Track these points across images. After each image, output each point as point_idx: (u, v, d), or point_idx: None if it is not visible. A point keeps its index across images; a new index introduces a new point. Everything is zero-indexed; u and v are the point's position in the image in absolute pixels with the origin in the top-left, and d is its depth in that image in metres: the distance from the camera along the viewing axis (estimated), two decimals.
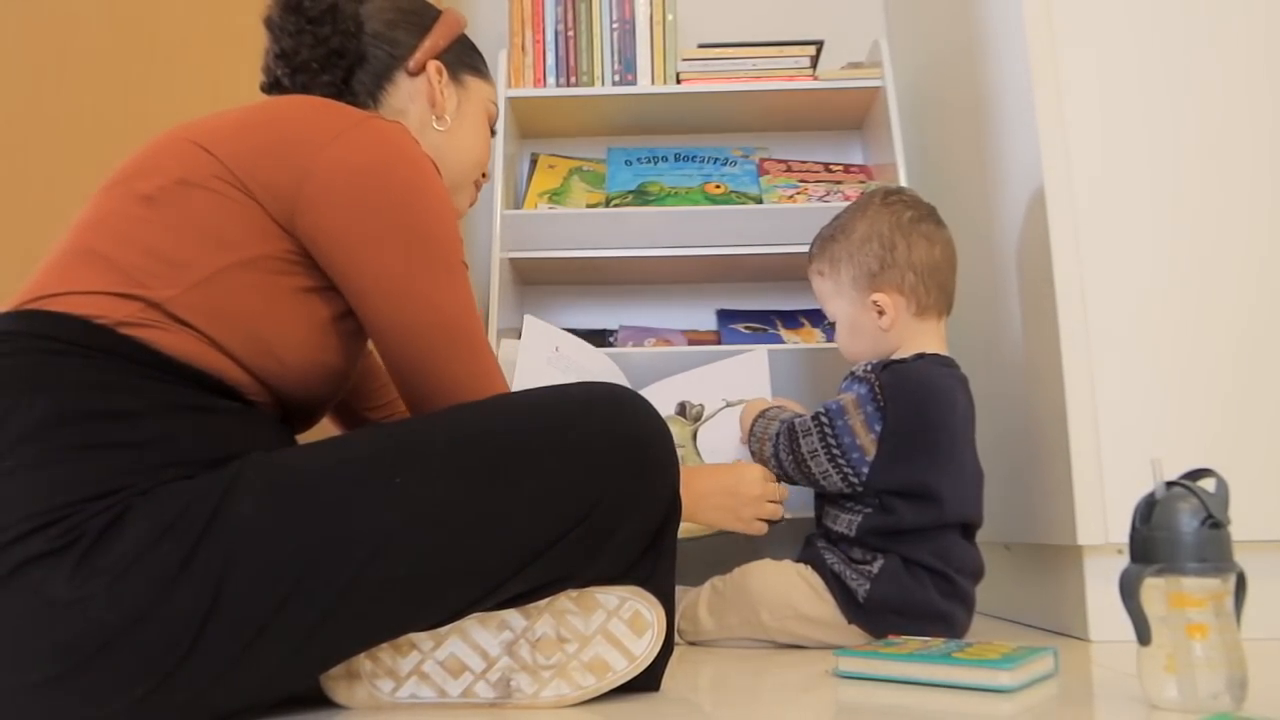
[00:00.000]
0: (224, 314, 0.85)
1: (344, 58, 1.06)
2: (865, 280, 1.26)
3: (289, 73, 1.05)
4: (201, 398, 0.85)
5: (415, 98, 1.10)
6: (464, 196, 1.17)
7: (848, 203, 1.80)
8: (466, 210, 1.20)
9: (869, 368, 1.22)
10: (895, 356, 1.24)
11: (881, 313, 1.25)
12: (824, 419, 1.21)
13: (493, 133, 1.20)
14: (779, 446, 1.24)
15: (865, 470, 1.17)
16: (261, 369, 0.88)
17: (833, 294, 1.31)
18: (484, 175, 1.20)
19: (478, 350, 0.94)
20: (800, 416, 1.25)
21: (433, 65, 1.10)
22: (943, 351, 1.27)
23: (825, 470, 1.20)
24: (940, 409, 1.20)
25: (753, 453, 1.30)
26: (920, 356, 1.23)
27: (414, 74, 1.10)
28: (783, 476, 1.26)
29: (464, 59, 1.15)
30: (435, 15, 1.13)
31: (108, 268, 0.84)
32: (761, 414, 1.30)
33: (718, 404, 1.41)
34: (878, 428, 1.17)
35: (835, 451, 1.18)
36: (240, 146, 0.90)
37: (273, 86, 1.07)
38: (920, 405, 1.18)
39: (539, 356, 1.41)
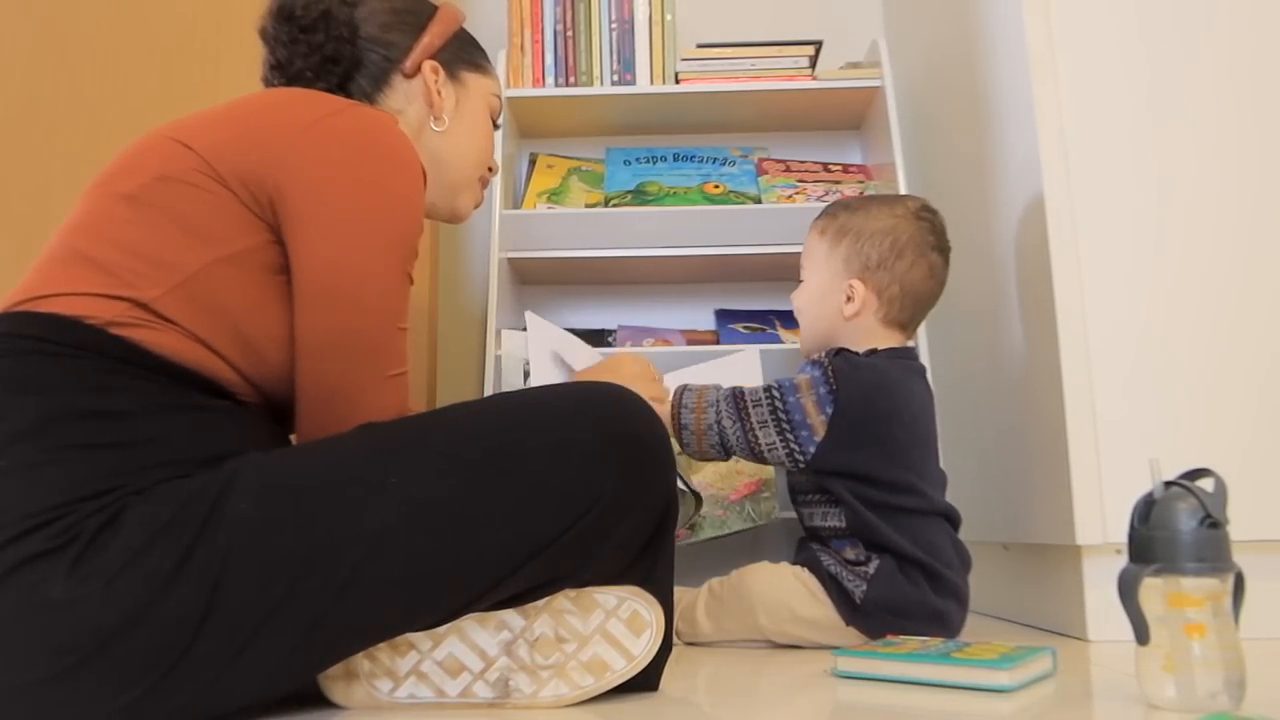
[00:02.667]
0: (209, 311, 0.85)
1: (339, 64, 1.05)
2: (857, 265, 1.27)
3: (285, 82, 1.05)
4: (193, 396, 0.84)
5: (412, 99, 1.09)
6: (469, 196, 1.16)
7: None
8: (472, 210, 1.19)
9: (824, 354, 1.23)
10: (847, 347, 1.25)
11: (849, 299, 1.27)
12: (775, 393, 1.20)
13: (496, 126, 1.19)
14: (721, 414, 1.21)
15: (812, 449, 1.18)
16: (249, 366, 0.88)
17: (820, 258, 1.31)
18: (490, 169, 1.19)
19: (395, 360, 0.90)
20: (743, 387, 1.23)
21: (428, 65, 1.09)
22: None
23: (773, 443, 1.19)
24: (892, 400, 1.20)
25: (683, 425, 1.23)
26: (874, 352, 1.25)
27: (410, 75, 1.09)
28: (718, 447, 1.22)
29: (462, 55, 1.14)
30: (431, 13, 1.12)
31: (94, 269, 0.84)
32: (685, 387, 1.26)
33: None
34: (829, 410, 1.17)
35: (785, 426, 1.18)
36: (219, 139, 0.89)
37: None
38: (872, 394, 1.19)
39: (545, 354, 1.40)
